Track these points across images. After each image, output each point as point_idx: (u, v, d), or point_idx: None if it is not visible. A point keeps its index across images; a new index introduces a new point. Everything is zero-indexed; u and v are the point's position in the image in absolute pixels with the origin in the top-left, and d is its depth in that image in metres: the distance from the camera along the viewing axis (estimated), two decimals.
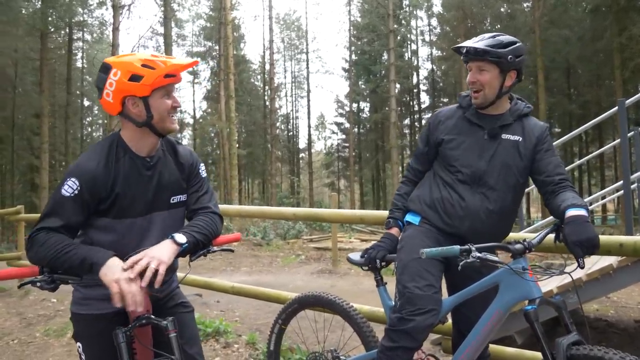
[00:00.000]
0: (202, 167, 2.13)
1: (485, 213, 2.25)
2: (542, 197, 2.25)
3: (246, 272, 10.62)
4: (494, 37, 2.25)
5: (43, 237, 1.74)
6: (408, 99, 41.46)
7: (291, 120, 48.36)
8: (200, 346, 2.14)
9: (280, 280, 8.92)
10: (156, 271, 1.70)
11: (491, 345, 3.03)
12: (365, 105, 43.22)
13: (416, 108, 41.60)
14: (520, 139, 2.29)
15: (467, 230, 2.27)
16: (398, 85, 34.97)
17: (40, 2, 23.23)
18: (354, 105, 41.56)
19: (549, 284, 4.42)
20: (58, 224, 1.77)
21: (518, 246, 1.96)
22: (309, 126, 44.76)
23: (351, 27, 39.90)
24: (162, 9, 24.86)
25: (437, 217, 2.33)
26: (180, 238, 1.82)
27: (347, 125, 41.23)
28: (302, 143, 47.64)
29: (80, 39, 32.41)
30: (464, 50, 2.28)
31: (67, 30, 27.67)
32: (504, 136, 2.29)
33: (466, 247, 1.88)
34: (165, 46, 24.61)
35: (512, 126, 2.31)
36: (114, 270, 1.67)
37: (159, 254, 1.75)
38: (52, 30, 26.11)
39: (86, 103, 37.19)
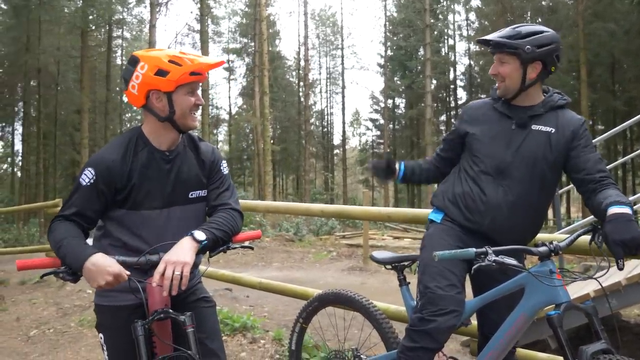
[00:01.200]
0: (224, 164, 2.14)
1: (508, 207, 2.16)
2: (582, 196, 2.13)
3: (277, 267, 10.69)
4: (514, 28, 2.19)
5: (55, 225, 1.83)
6: (444, 95, 40.79)
7: (326, 117, 48.35)
8: (222, 341, 2.15)
9: (311, 277, 8.94)
10: (181, 274, 1.73)
11: (522, 350, 2.94)
12: (400, 101, 42.78)
13: (453, 104, 40.87)
14: (553, 130, 2.18)
15: (488, 226, 2.19)
16: (434, 81, 34.43)
17: (81, 1, 23.87)
18: (389, 101, 41.18)
19: (586, 287, 4.26)
20: (73, 211, 1.85)
21: (543, 249, 1.87)
22: (344, 122, 44.67)
23: (387, 22, 39.50)
24: (199, 5, 25.16)
25: (459, 212, 2.26)
26: (200, 235, 1.83)
27: (382, 121, 40.90)
28: (337, 139, 47.62)
29: (119, 37, 33.23)
30: (486, 44, 2.24)
31: (107, 28, 28.38)
32: (534, 127, 2.20)
33: (483, 249, 1.79)
34: (201, 43, 24.91)
35: (544, 117, 2.21)
36: (94, 277, 1.70)
37: (180, 256, 1.76)
38: (93, 28, 26.85)
39: (125, 99, 38.06)
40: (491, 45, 2.21)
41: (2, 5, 26.47)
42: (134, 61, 1.88)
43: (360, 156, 47.20)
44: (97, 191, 1.85)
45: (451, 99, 40.87)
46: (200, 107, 1.97)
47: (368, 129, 46.60)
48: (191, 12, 59.35)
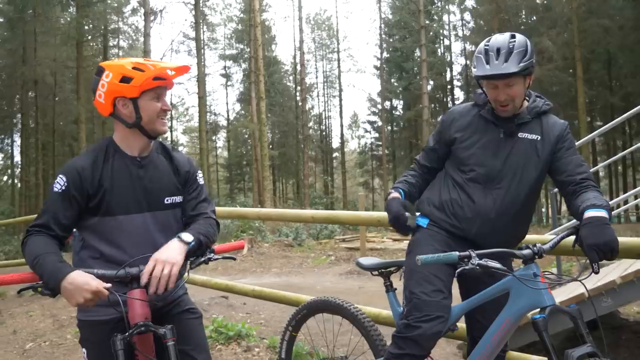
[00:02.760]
0: (200, 174, 2.16)
1: (496, 214, 2.14)
2: (564, 198, 2.12)
3: (276, 273, 10.66)
4: (511, 49, 2.06)
5: (30, 239, 1.83)
6: (442, 95, 40.80)
7: (324, 120, 48.35)
8: (209, 353, 2.13)
9: (309, 282, 8.91)
10: (169, 273, 1.77)
11: (513, 353, 2.91)
12: (398, 103, 42.80)
13: (450, 105, 40.85)
14: (539, 137, 2.17)
15: (476, 233, 2.17)
16: (431, 82, 34.47)
17: (75, 12, 23.88)
18: (387, 103, 41.18)
19: (580, 288, 4.22)
20: (47, 218, 1.85)
21: (526, 252, 1.85)
22: (342, 125, 44.63)
23: (382, 25, 39.51)
24: (193, 13, 25.21)
25: (445, 220, 2.24)
26: (187, 237, 1.88)
27: (380, 123, 40.90)
28: (336, 142, 47.59)
29: (115, 46, 33.24)
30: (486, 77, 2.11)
31: (102, 38, 28.40)
32: (521, 135, 2.18)
33: (466, 253, 1.78)
34: (196, 50, 24.98)
35: (530, 124, 2.20)
36: (73, 294, 1.69)
37: (170, 256, 1.81)
38: (89, 38, 26.90)
39: None
40: (507, 76, 2.06)
41: None
42: (99, 71, 1.92)
43: (359, 159, 47.19)
44: (69, 197, 1.86)
45: (448, 99, 40.84)
46: (168, 112, 1.99)
47: (366, 131, 46.61)
48: (185, 20, 59.33)
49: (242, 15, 39.53)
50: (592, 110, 29.37)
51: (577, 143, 6.07)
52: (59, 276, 1.69)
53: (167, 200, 2.01)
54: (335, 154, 47.68)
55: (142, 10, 21.11)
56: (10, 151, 35.35)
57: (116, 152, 1.96)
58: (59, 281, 1.68)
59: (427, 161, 2.44)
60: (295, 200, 36.10)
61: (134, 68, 1.87)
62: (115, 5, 28.53)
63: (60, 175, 1.88)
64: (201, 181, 2.14)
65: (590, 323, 4.25)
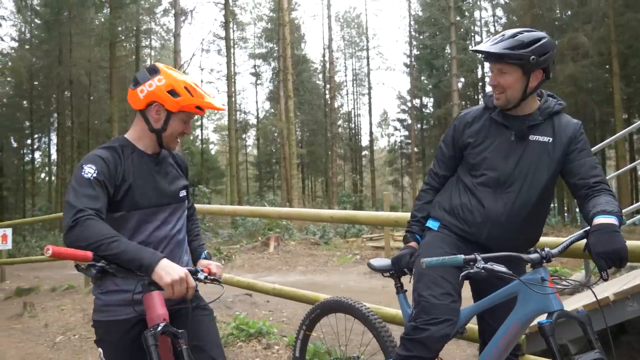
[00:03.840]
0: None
1: (506, 218, 2.12)
2: (577, 201, 2.08)
3: (301, 271, 10.71)
4: (514, 36, 2.07)
5: (87, 221, 1.76)
6: (472, 92, 40.18)
7: (353, 118, 48.26)
8: (221, 348, 2.17)
9: (333, 280, 8.92)
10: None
11: (534, 358, 2.88)
12: (428, 101, 42.32)
13: (481, 102, 40.20)
14: (550, 139, 2.13)
15: (487, 237, 2.15)
16: (462, 79, 34.00)
17: (109, 13, 24.48)
18: (417, 101, 40.83)
19: (606, 291, 4.11)
20: (92, 204, 1.80)
21: (534, 256, 1.83)
22: (371, 123, 44.46)
23: (412, 22, 39.20)
24: (223, 12, 25.46)
25: (456, 224, 2.22)
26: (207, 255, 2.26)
27: (410, 121, 40.57)
28: (365, 141, 47.44)
29: (147, 46, 33.92)
30: (482, 55, 2.14)
31: (134, 38, 29.01)
32: (532, 137, 2.14)
33: (472, 256, 1.76)
34: (226, 49, 25.21)
35: (542, 126, 2.16)
36: (169, 272, 1.73)
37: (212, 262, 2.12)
38: (123, 38, 27.53)
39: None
40: (492, 57, 2.10)
41: (36, 20, 27.38)
42: (154, 71, 2.02)
43: (388, 157, 46.89)
44: (100, 184, 1.86)
45: (479, 96, 40.20)
46: (185, 135, 2.13)
47: (396, 129, 46.29)
48: (215, 20, 59.97)
49: (271, 14, 39.75)
50: (630, 107, 28.45)
51: (611, 138, 5.92)
52: (156, 257, 1.74)
53: (181, 194, 2.14)
54: (364, 152, 47.55)
55: (173, 11, 21.42)
56: (47, 149, 36.52)
57: (133, 149, 2.04)
58: (158, 261, 1.73)
59: (444, 170, 2.39)
60: (323, 199, 36.13)
61: (185, 88, 1.98)
62: (147, 6, 29.13)
63: (89, 165, 1.87)
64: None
65: (617, 326, 4.13)
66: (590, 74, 24.27)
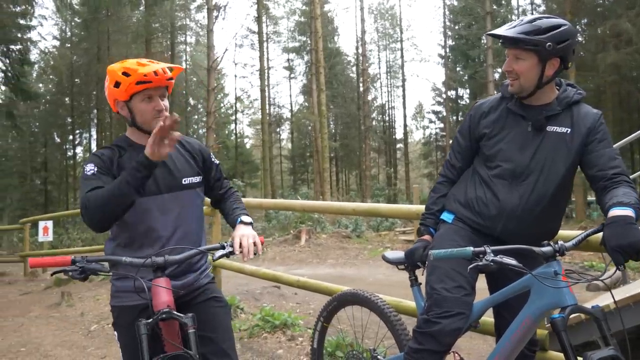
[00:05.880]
0: (212, 154, 2.33)
1: (522, 211, 2.06)
2: (595, 193, 2.02)
3: (331, 264, 10.73)
4: (532, 21, 2.02)
5: (90, 194, 1.89)
6: None
7: (387, 111, 47.88)
8: (233, 341, 2.20)
9: (362, 273, 8.91)
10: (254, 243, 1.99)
11: (554, 353, 2.81)
12: (463, 92, 41.49)
13: None
14: (569, 130, 2.07)
15: (501, 230, 2.11)
16: (498, 70, 33.20)
17: (144, 11, 25.00)
18: (452, 92, 40.16)
19: (637, 288, 3.97)
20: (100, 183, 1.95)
21: (547, 249, 1.78)
22: (405, 116, 44.01)
23: (447, 12, 38.52)
24: (256, 7, 25.61)
25: (471, 217, 2.18)
26: (247, 218, 2.14)
27: (445, 113, 39.96)
28: (399, 133, 47.00)
29: (182, 42, 34.50)
30: (499, 39, 2.09)
31: (170, 35, 29.54)
32: (550, 128, 2.08)
33: (481, 248, 1.73)
34: (259, 43, 25.38)
35: (560, 116, 2.09)
36: (152, 146, 1.81)
37: (247, 231, 2.05)
38: (158, 35, 28.07)
39: (191, 102, 39.39)
40: (506, 41, 2.06)
41: (75, 19, 28.20)
42: (106, 75, 2.07)
43: (423, 150, 46.33)
44: (103, 174, 1.98)
45: None
46: (164, 110, 2.04)
47: (431, 121, 45.61)
48: (248, 15, 60.37)
49: (304, 7, 39.73)
50: None
51: None
52: (141, 158, 1.84)
53: (185, 181, 2.14)
54: (398, 145, 47.12)
55: (207, 7, 21.69)
56: (88, 144, 37.67)
57: (131, 145, 2.10)
58: (144, 157, 1.83)
59: (461, 161, 2.34)
60: (357, 192, 36.07)
61: (122, 73, 1.97)
62: (182, 2, 29.57)
63: (89, 164, 2.01)
64: (216, 161, 2.32)
65: None
66: (634, 62, 23.30)
